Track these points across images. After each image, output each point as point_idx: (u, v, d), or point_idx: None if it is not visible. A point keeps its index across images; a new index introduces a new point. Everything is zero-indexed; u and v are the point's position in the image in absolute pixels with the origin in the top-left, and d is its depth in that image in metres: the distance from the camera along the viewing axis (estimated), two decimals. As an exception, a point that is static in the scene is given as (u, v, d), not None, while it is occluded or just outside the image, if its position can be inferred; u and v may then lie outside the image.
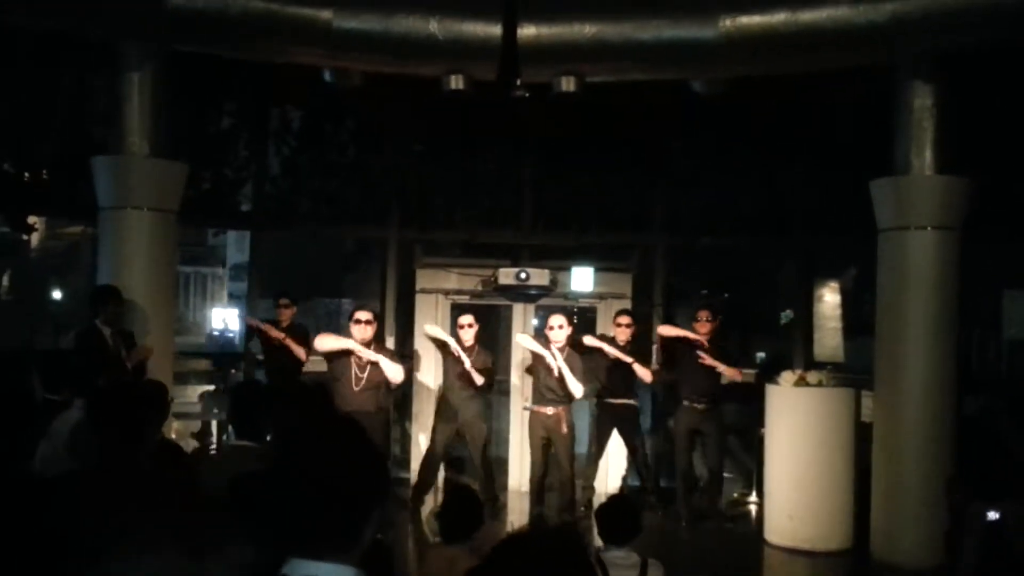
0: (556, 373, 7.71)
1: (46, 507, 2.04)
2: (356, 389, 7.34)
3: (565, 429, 7.85)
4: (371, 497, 1.90)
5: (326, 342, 7.55)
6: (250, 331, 9.27)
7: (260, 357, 9.09)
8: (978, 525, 2.98)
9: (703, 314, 8.19)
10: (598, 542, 4.47)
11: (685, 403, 8.16)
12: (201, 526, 2.50)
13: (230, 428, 7.92)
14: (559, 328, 7.86)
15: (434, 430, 8.33)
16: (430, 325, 8.62)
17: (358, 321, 7.46)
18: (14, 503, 2.05)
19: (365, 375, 7.37)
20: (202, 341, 26.78)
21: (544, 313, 9.29)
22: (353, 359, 7.38)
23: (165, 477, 2.81)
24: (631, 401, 8.43)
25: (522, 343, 8.26)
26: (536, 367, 8.04)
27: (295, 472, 1.90)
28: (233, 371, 9.93)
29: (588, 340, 8.28)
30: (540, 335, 8.34)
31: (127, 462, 2.94)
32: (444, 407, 8.26)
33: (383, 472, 2.01)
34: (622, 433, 8.45)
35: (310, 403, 4.07)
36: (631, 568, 4.16)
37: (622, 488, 8.98)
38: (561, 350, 7.82)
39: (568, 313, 9.18)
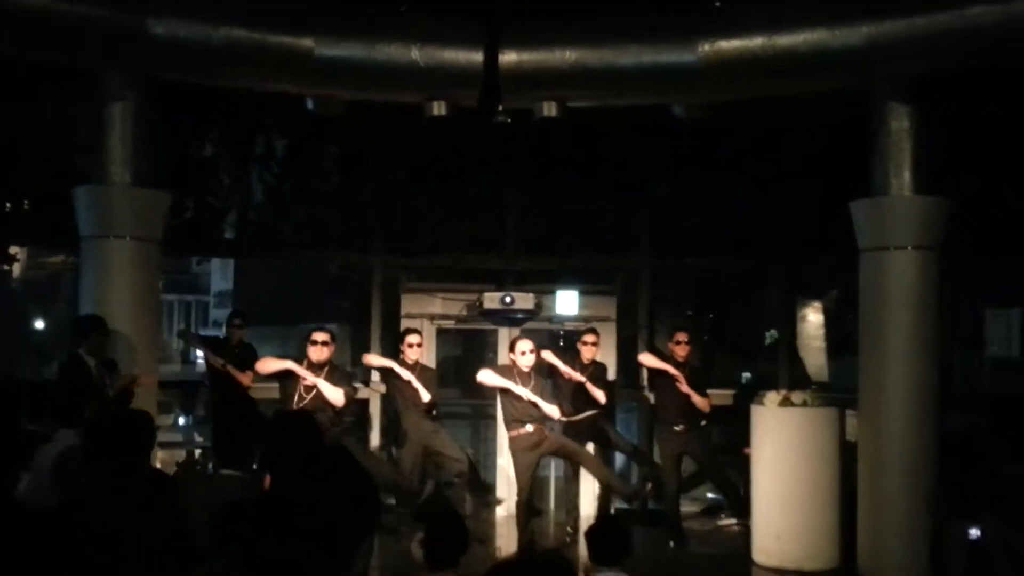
0: (526, 399, 7.57)
1: (40, 540, 2.04)
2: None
3: (554, 436, 7.66)
4: (360, 529, 1.92)
5: (268, 365, 7.55)
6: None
7: (206, 383, 8.98)
8: (961, 543, 3.00)
9: (681, 336, 8.22)
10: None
11: (667, 427, 8.17)
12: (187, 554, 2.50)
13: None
14: (528, 353, 7.64)
15: (401, 458, 8.27)
16: (372, 355, 8.62)
17: (314, 342, 7.40)
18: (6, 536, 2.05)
19: (309, 396, 7.31)
20: (188, 369, 26.61)
21: (520, 335, 9.24)
22: (300, 380, 7.35)
23: (155, 507, 2.81)
24: (591, 411, 8.22)
25: (486, 381, 7.80)
26: (504, 396, 7.78)
27: (287, 505, 1.92)
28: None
29: (545, 355, 8.08)
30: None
31: (119, 493, 2.93)
32: (405, 433, 8.19)
33: (373, 504, 2.03)
34: (597, 442, 8.38)
35: (297, 434, 4.03)
36: None
37: (613, 509, 8.92)
38: (528, 375, 7.64)
39: (554, 336, 9.18)
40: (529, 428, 7.64)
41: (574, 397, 8.17)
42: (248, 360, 8.31)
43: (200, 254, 16.99)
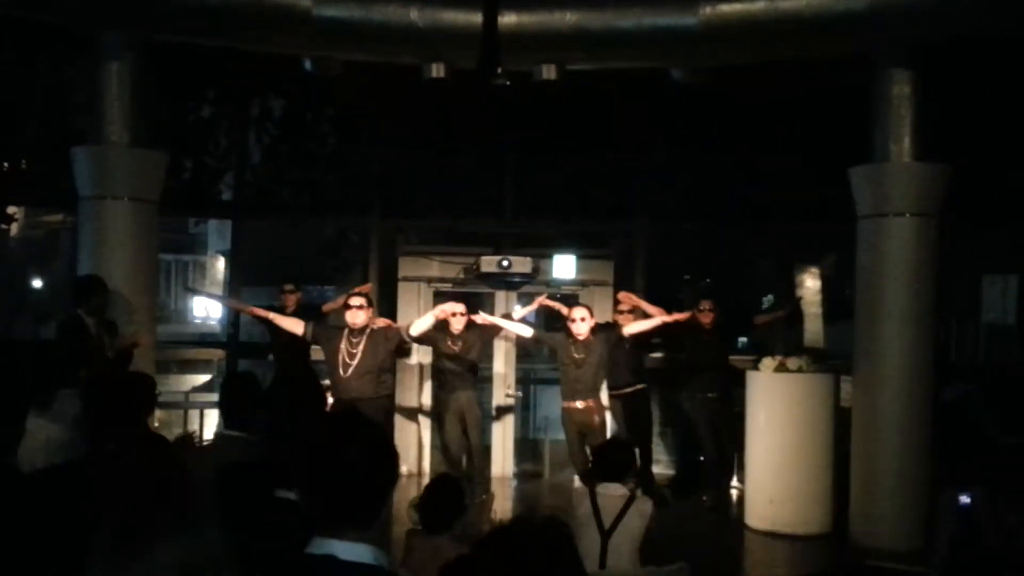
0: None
1: (40, 499, 2.07)
2: (346, 375, 7.05)
3: (597, 420, 7.65)
4: (386, 480, 1.99)
5: (422, 323, 7.25)
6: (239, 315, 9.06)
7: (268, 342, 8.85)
8: (951, 510, 3.04)
9: (706, 304, 8.27)
10: None
11: (700, 394, 8.23)
12: (187, 515, 2.53)
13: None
14: (581, 321, 7.57)
15: (442, 429, 8.30)
16: (415, 324, 7.72)
17: (349, 307, 7.18)
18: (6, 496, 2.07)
19: (355, 361, 7.06)
20: (186, 329, 26.64)
21: (527, 301, 9.25)
22: (343, 345, 7.10)
23: (154, 469, 2.83)
24: (640, 386, 8.38)
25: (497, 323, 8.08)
26: (560, 362, 7.77)
27: (317, 459, 1.98)
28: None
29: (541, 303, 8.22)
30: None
31: (118, 455, 2.95)
32: (440, 401, 8.25)
33: (394, 455, 2.10)
34: (637, 422, 8.43)
35: (304, 393, 4.00)
36: (620, 498, 4.78)
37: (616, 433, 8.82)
38: (585, 341, 7.57)
39: (553, 299, 9.16)
40: (579, 404, 7.63)
41: (625, 367, 8.19)
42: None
43: (197, 215, 16.94)
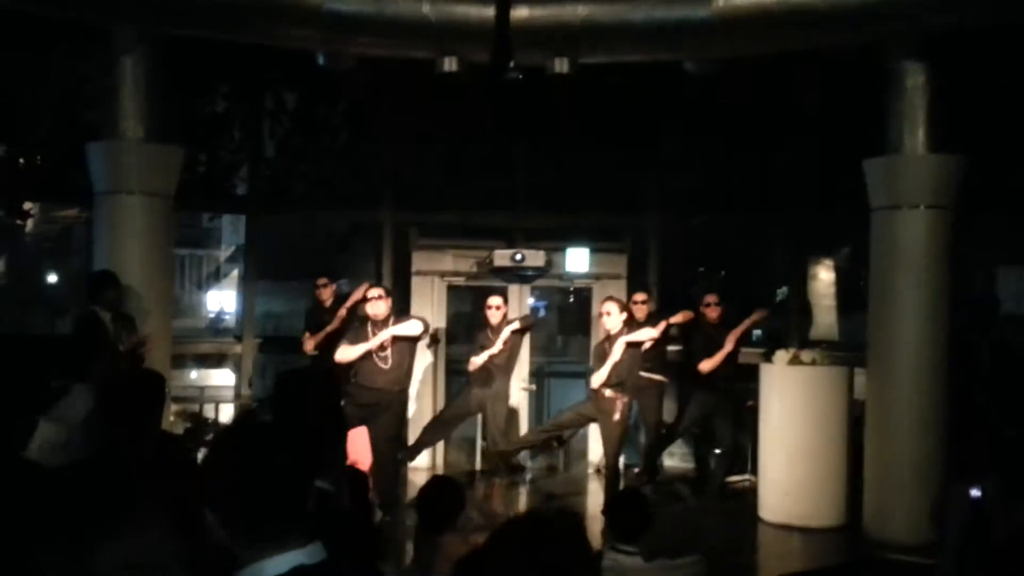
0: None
1: (52, 496, 2.08)
2: (385, 367, 7.28)
3: (617, 416, 7.67)
4: (296, 488, 1.88)
5: (346, 354, 7.35)
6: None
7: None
8: (961, 503, 3.04)
9: (711, 298, 8.23)
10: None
11: (707, 388, 8.18)
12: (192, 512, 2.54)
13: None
14: (607, 316, 7.71)
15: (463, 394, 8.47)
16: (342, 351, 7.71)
17: (369, 298, 7.42)
18: (14, 490, 2.08)
19: (388, 354, 7.28)
20: (200, 324, 26.77)
21: (540, 294, 9.29)
22: (371, 338, 7.31)
23: (165, 467, 2.86)
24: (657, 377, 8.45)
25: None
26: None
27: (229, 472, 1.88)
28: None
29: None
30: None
31: (132, 453, 2.97)
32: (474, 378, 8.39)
33: (307, 449, 1.98)
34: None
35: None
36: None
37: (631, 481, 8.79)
38: (617, 335, 7.66)
39: (565, 293, 9.19)
40: (607, 392, 7.72)
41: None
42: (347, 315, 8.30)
43: (212, 210, 17.00)
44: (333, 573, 1.88)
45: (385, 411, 7.22)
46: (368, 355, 7.27)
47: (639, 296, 8.53)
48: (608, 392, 7.66)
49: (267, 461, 1.86)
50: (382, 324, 7.32)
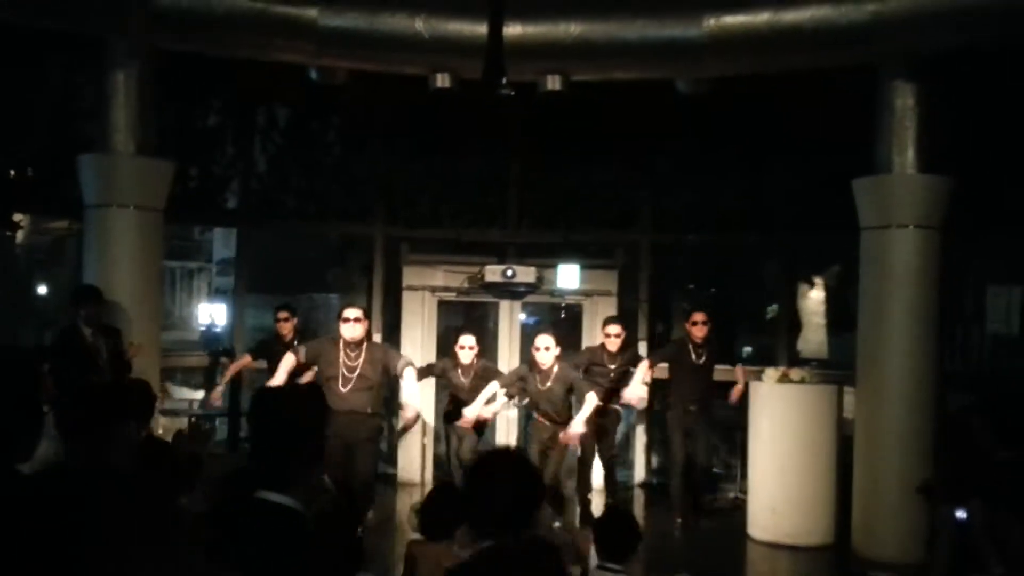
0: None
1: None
2: (345, 390, 6.90)
3: (562, 444, 7.53)
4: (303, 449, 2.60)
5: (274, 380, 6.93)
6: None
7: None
8: (949, 524, 3.05)
9: (698, 316, 8.09)
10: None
11: (681, 406, 8.14)
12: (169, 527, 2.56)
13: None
14: (545, 350, 7.44)
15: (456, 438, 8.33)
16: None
17: (346, 319, 6.98)
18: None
19: (354, 375, 6.94)
20: (191, 336, 26.69)
21: (531, 310, 9.28)
22: (341, 359, 6.96)
23: (136, 477, 2.84)
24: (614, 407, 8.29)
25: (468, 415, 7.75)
26: (526, 385, 7.70)
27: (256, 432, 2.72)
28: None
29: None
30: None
31: (95, 462, 2.94)
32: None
33: (311, 429, 2.67)
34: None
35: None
36: None
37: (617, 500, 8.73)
38: (548, 372, 7.49)
39: (555, 309, 9.17)
40: (548, 424, 7.65)
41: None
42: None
43: (203, 223, 17.01)
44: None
45: (361, 433, 6.93)
46: (333, 377, 6.91)
47: (612, 329, 8.17)
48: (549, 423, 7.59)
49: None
50: (356, 347, 6.97)
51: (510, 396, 8.01)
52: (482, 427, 8.26)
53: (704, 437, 8.17)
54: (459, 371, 8.16)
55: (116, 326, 6.85)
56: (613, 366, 8.11)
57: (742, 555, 7.50)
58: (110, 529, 2.39)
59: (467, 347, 8.11)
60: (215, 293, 29.60)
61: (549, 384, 7.50)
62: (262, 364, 8.52)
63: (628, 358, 8.24)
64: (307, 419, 2.67)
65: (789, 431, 7.51)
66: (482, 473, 2.70)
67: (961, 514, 2.94)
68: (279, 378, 6.82)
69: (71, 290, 7.31)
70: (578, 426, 7.28)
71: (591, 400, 7.30)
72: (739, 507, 8.32)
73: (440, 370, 8.39)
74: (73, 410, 3.12)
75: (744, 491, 8.25)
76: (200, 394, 9.86)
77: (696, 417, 8.11)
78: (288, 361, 6.97)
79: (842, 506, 7.40)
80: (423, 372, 8.04)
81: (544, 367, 7.48)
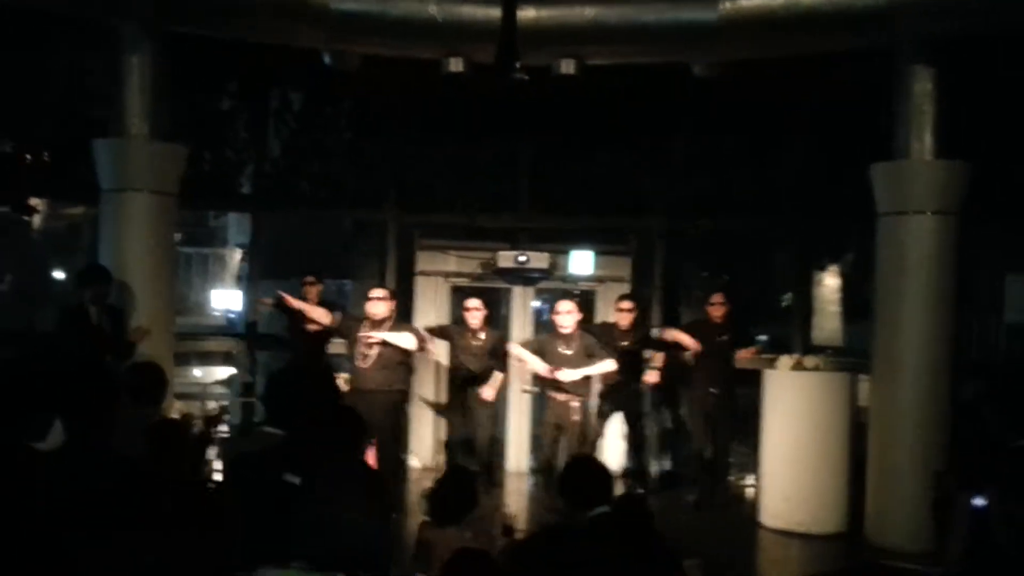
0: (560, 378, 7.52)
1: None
2: (365, 366, 7.39)
3: (576, 417, 7.61)
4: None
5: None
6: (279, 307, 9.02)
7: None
8: (965, 512, 3.02)
9: (717, 297, 8.20)
10: None
11: (702, 389, 8.18)
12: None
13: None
14: (567, 313, 7.66)
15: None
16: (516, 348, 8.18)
17: (370, 298, 7.60)
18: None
19: (372, 352, 7.39)
20: (206, 321, 26.75)
21: (548, 297, 9.28)
22: (360, 338, 7.43)
23: (129, 458, 2.83)
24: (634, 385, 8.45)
25: (514, 352, 8.08)
26: (546, 352, 7.74)
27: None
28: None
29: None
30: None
31: (89, 444, 2.93)
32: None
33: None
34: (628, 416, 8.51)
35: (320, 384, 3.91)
36: None
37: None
38: (569, 337, 7.65)
39: (568, 295, 9.16)
40: (560, 397, 7.69)
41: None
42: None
43: (216, 208, 17.01)
44: None
45: (379, 412, 7.17)
46: (355, 354, 7.44)
47: (624, 304, 8.36)
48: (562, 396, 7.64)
49: None
50: (379, 325, 7.44)
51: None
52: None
53: (727, 422, 8.16)
54: (468, 334, 8.29)
55: (122, 307, 6.86)
56: (625, 343, 8.13)
57: (754, 543, 7.47)
58: (110, 512, 2.39)
59: (473, 308, 8.29)
60: (238, 280, 29.64)
61: (570, 353, 7.59)
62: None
63: (639, 337, 8.32)
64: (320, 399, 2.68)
65: (802, 419, 7.47)
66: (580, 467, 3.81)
67: (979, 501, 2.91)
68: (311, 310, 7.88)
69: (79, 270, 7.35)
70: (574, 374, 7.45)
71: (607, 363, 7.55)
72: (750, 494, 8.30)
73: (450, 333, 8.57)
74: (77, 390, 3.11)
75: (756, 478, 8.22)
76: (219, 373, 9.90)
77: (718, 401, 8.09)
78: (323, 310, 7.84)
79: (855, 494, 7.36)
80: (434, 332, 8.50)
81: (565, 330, 7.61)
